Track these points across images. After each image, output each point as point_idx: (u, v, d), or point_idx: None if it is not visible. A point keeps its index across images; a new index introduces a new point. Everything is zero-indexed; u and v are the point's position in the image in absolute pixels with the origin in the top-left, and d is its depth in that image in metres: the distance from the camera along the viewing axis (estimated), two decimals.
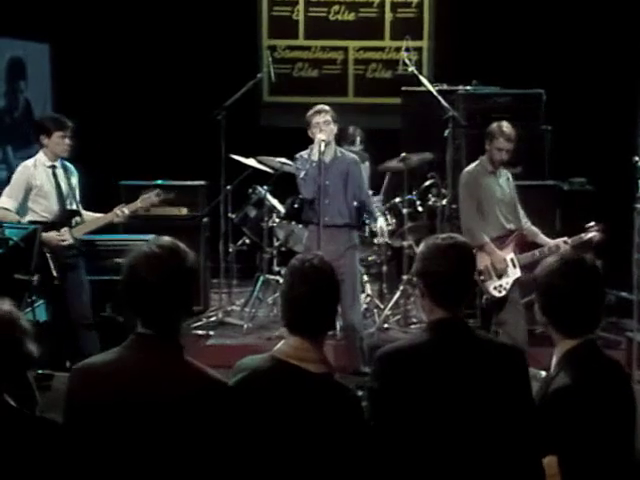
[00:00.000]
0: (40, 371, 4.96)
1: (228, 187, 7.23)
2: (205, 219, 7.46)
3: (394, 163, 7.19)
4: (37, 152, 5.75)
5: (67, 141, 5.68)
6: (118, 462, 2.48)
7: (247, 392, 2.65)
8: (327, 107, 5.92)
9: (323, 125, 5.84)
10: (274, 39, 9.28)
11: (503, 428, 2.72)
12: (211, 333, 6.91)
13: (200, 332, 6.90)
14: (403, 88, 7.85)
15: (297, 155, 5.99)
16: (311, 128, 5.87)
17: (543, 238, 5.89)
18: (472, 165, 5.94)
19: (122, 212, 5.76)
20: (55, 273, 5.56)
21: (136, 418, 2.48)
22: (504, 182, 5.92)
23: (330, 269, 2.80)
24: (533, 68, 8.13)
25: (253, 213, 7.23)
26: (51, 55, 8.52)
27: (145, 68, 8.73)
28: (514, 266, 5.75)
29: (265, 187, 7.15)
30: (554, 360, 2.80)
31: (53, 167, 5.72)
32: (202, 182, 7.46)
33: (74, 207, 5.80)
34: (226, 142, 7.03)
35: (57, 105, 8.42)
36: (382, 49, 9.25)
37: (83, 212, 5.84)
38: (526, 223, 5.95)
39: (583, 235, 5.75)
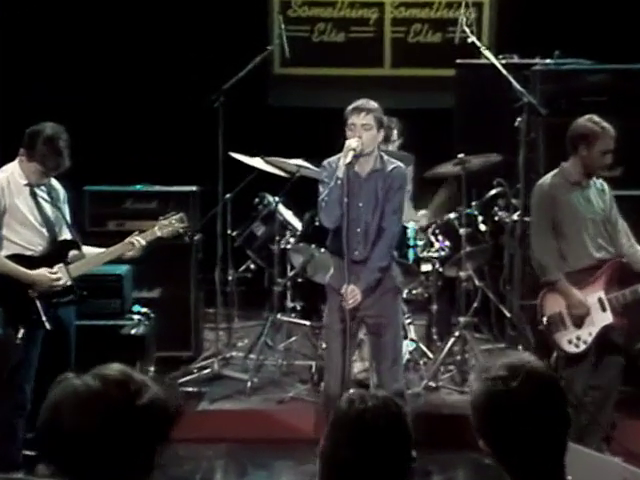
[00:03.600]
0: None
1: (227, 195, 7.11)
2: (197, 237, 7.22)
3: (448, 167, 6.89)
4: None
5: (45, 179, 5.52)
6: None
7: None
8: (374, 104, 5.51)
9: (361, 129, 5.44)
10: None
11: None
12: (204, 391, 6.68)
13: (190, 389, 6.63)
14: (458, 61, 7.63)
15: (325, 162, 5.65)
16: (347, 128, 5.51)
17: None
18: (548, 176, 5.76)
19: (137, 242, 5.58)
20: (45, 320, 5.41)
21: None
22: (596, 195, 5.76)
23: (397, 412, 2.54)
24: (638, 35, 8.07)
25: (260, 231, 7.09)
26: None
27: (122, 37, 8.64)
28: (603, 309, 5.58)
29: (277, 197, 7.01)
30: None
31: (31, 185, 5.53)
32: (193, 188, 7.22)
33: (68, 237, 5.61)
34: (225, 132, 6.90)
35: (1, 82, 8.28)
36: (429, 5, 9.10)
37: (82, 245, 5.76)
38: (631, 247, 5.77)
39: None
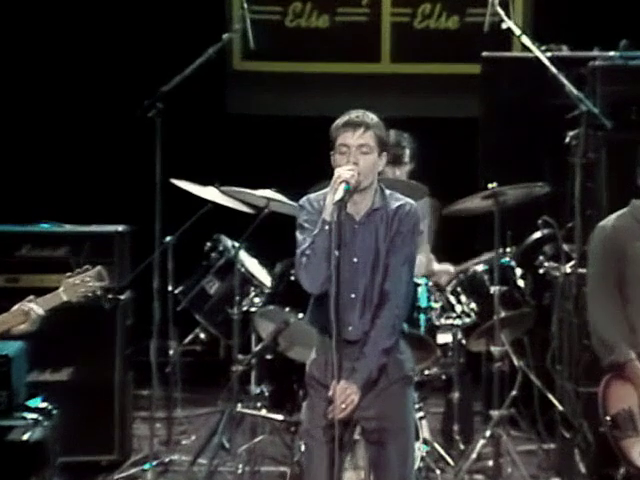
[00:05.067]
0: None
1: (168, 238, 6.84)
2: (125, 295, 6.81)
3: (476, 201, 6.50)
4: None
5: None
6: None
7: None
8: (373, 118, 4.92)
9: (357, 152, 4.81)
10: None
11: None
12: None
13: None
14: (485, 54, 7.38)
15: (303, 201, 5.04)
16: (335, 151, 4.91)
17: None
18: (613, 216, 5.49)
19: (33, 312, 4.98)
20: None
21: None
22: None
23: None
24: None
25: (214, 287, 6.80)
26: None
27: (26, 19, 8.42)
28: None
29: (237, 241, 6.73)
30: None
31: None
32: (119, 228, 6.82)
33: None
34: (165, 151, 6.58)
35: None
36: None
37: None
38: None
39: None
